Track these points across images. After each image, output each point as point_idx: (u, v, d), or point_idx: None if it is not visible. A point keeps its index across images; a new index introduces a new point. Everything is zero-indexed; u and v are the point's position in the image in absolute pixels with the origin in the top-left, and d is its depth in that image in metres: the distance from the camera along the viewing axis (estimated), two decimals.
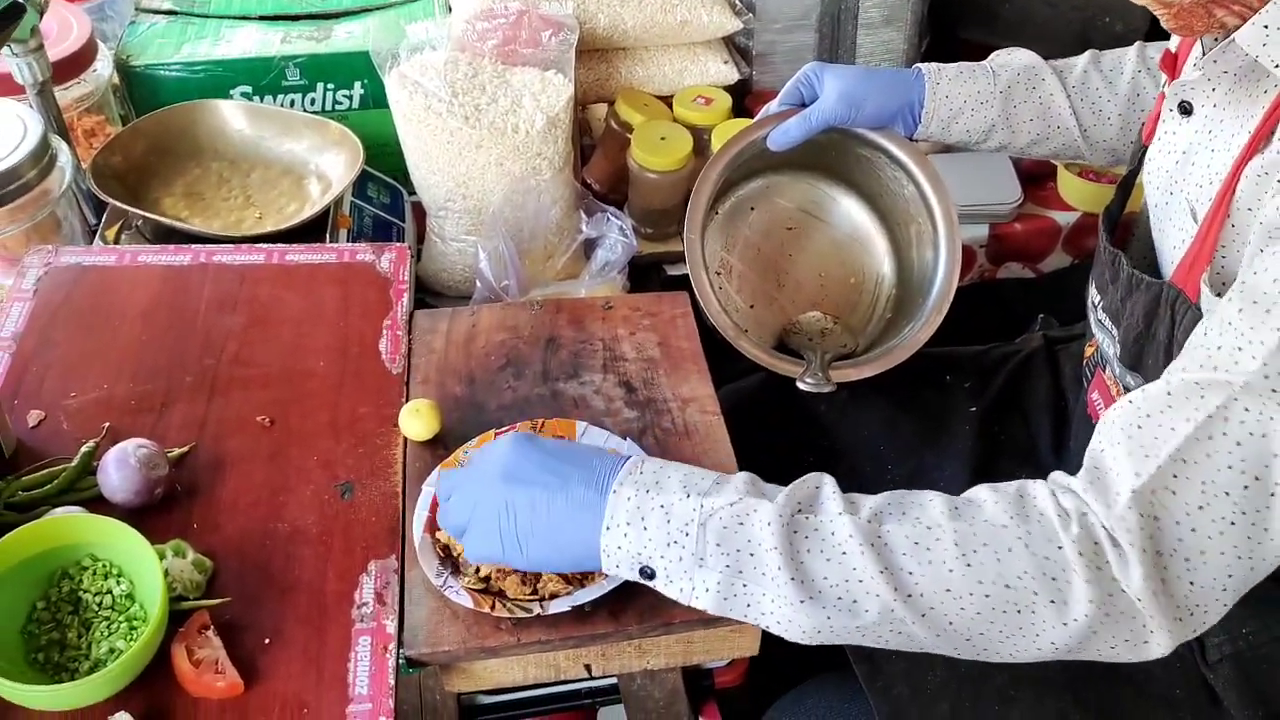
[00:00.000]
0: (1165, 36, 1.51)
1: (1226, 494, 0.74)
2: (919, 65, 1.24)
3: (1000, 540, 0.78)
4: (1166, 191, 0.97)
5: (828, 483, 0.84)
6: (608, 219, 1.42)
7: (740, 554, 0.80)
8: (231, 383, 1.07)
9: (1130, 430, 0.78)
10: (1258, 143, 0.83)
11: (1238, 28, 0.82)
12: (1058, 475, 0.82)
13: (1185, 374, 0.78)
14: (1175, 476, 0.75)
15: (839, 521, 0.79)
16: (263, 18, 1.60)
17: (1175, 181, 0.95)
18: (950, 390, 1.28)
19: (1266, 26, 0.79)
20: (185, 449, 1.00)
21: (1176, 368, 0.80)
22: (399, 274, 1.21)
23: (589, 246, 1.45)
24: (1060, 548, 0.77)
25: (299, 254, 1.23)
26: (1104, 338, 1.07)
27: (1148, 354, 0.97)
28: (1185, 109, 0.94)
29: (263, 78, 1.52)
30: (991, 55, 1.27)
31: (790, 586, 0.78)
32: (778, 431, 1.25)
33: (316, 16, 1.60)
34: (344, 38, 1.56)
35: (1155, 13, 0.85)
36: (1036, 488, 0.81)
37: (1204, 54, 0.93)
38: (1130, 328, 0.98)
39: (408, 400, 1.06)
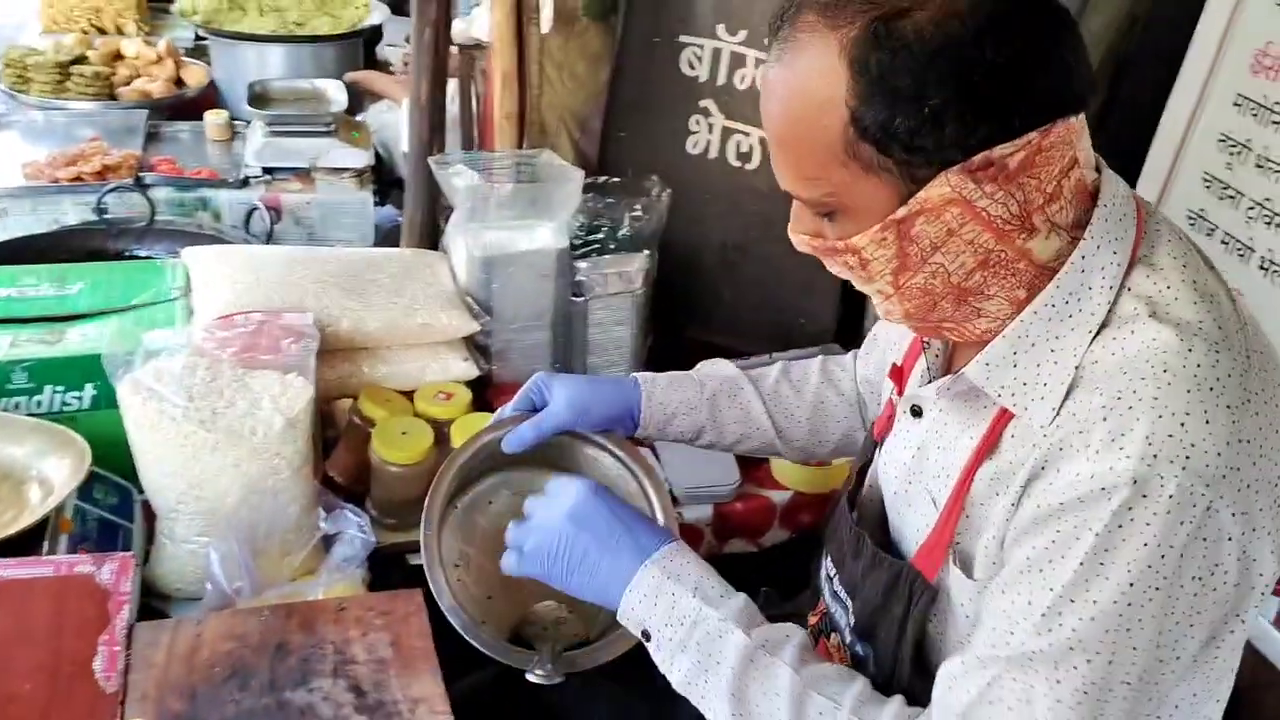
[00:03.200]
0: (849, 333, 1.76)
1: None
2: (635, 375, 1.38)
3: None
4: (905, 481, 1.10)
5: (798, 635, 1.04)
6: (345, 515, 1.45)
7: (710, 658, 1.03)
8: None
9: (941, 690, 0.96)
10: (985, 451, 0.97)
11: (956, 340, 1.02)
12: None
13: (975, 650, 0.93)
14: None
15: (784, 671, 1.00)
16: None
17: (914, 473, 1.08)
18: None
19: (988, 364, 0.95)
20: None
21: (976, 643, 0.94)
22: (120, 585, 1.19)
23: (328, 541, 1.46)
24: None
25: (10, 569, 1.18)
26: (837, 608, 1.16)
27: (881, 627, 1.07)
28: (916, 412, 1.09)
29: None
30: (698, 365, 1.44)
31: (730, 700, 1.01)
32: None
33: (50, 319, 1.61)
34: (78, 340, 1.57)
35: (908, 327, 1.04)
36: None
37: (928, 370, 1.10)
38: (868, 600, 1.08)
39: None
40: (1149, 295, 0.90)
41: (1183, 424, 0.84)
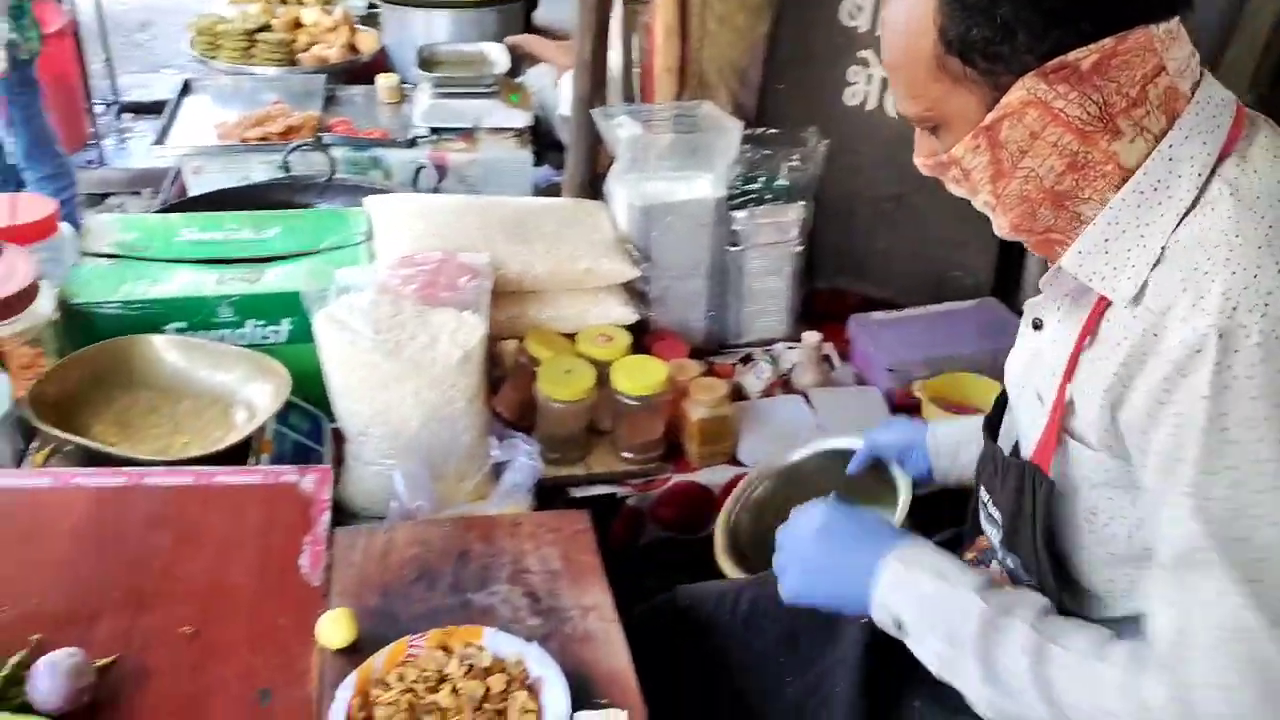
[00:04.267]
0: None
1: None
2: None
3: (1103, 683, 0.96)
4: (1020, 385, 1.15)
5: (1037, 597, 1.05)
6: (516, 444, 1.54)
7: (956, 632, 1.03)
8: (158, 597, 1.14)
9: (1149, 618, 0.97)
10: (1084, 338, 1.02)
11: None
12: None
13: (1159, 560, 0.96)
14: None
15: (1022, 628, 1.00)
16: (200, 261, 1.74)
17: (1027, 376, 1.13)
18: None
19: (1081, 252, 1.00)
20: (111, 660, 1.05)
21: (1158, 556, 0.97)
22: (320, 494, 1.30)
23: (498, 469, 1.56)
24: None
25: (226, 476, 1.31)
26: (991, 530, 1.20)
27: (1021, 532, 1.11)
28: (1037, 325, 1.13)
29: (196, 315, 1.64)
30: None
31: (978, 664, 1.01)
32: (683, 646, 1.34)
33: (250, 260, 1.75)
34: (275, 279, 1.71)
35: (1022, 241, 1.06)
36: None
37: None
38: (1008, 509, 1.13)
39: (326, 611, 1.13)
40: (1234, 179, 0.94)
41: (1255, 276, 0.88)
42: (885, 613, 1.09)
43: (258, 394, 1.54)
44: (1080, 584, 1.10)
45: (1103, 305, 1.01)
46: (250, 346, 1.66)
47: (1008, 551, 1.16)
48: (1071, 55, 0.91)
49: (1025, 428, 1.14)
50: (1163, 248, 0.95)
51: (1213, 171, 0.95)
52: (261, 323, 1.67)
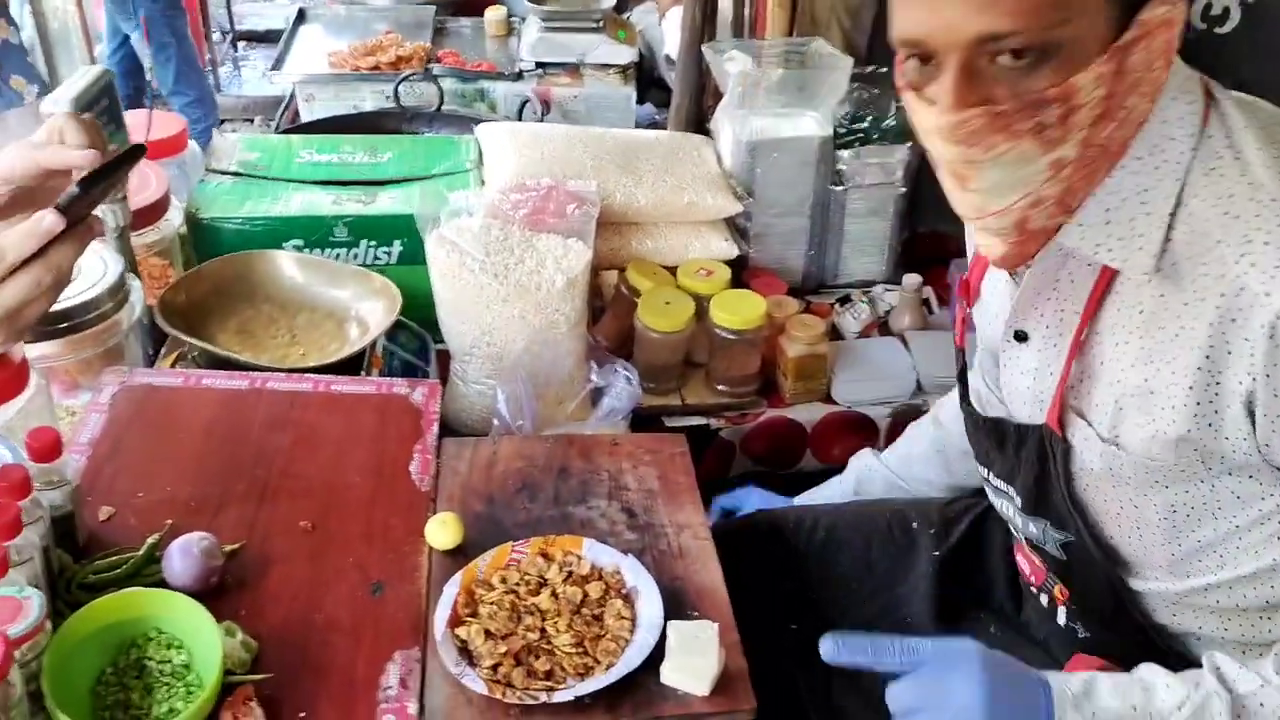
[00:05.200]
0: None
1: None
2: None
3: None
4: (1036, 405, 1.09)
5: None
6: (615, 370, 1.58)
7: None
8: (279, 492, 1.21)
9: None
10: (1086, 321, 0.99)
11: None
12: None
13: None
14: None
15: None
16: (317, 182, 1.80)
17: (1039, 393, 1.08)
18: (916, 537, 1.40)
19: (1082, 225, 0.94)
20: (237, 546, 1.13)
21: None
22: (430, 406, 1.36)
23: (596, 394, 1.60)
24: None
25: (342, 385, 1.38)
26: (1003, 503, 1.19)
27: (1052, 491, 1.09)
28: (1021, 337, 1.09)
29: (313, 233, 1.71)
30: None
31: None
32: (763, 564, 1.38)
33: (365, 183, 1.81)
34: (388, 202, 1.76)
35: (1001, 247, 0.96)
36: None
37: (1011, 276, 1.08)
38: (1028, 474, 1.11)
39: (434, 514, 1.19)
40: (1230, 136, 0.92)
41: None
42: None
43: (370, 311, 1.60)
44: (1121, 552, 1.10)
45: (1102, 286, 0.97)
46: (363, 266, 1.72)
47: (1029, 517, 1.14)
48: None
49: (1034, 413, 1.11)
50: (1171, 214, 0.91)
51: (1201, 130, 0.92)
52: (374, 243, 1.73)
